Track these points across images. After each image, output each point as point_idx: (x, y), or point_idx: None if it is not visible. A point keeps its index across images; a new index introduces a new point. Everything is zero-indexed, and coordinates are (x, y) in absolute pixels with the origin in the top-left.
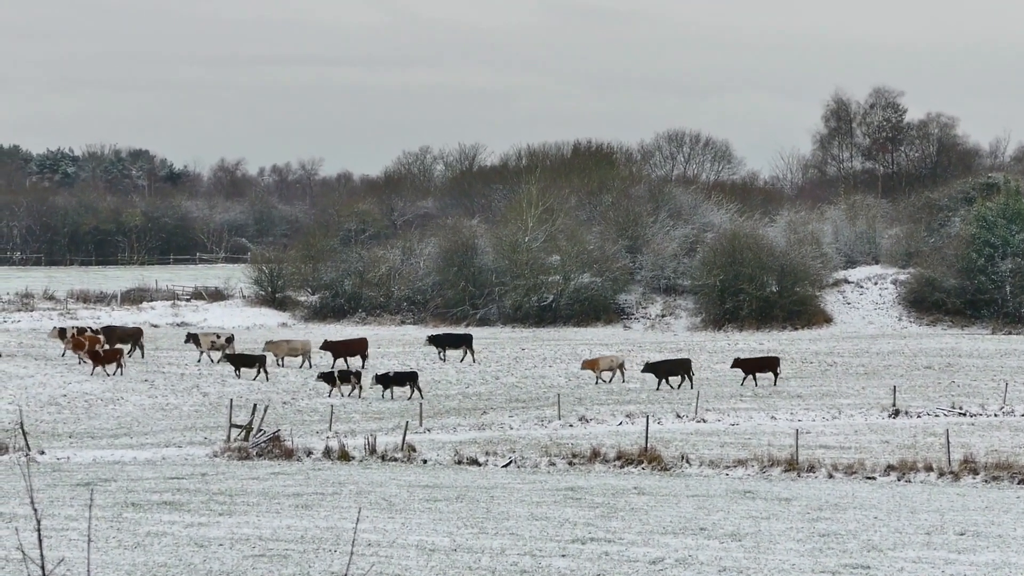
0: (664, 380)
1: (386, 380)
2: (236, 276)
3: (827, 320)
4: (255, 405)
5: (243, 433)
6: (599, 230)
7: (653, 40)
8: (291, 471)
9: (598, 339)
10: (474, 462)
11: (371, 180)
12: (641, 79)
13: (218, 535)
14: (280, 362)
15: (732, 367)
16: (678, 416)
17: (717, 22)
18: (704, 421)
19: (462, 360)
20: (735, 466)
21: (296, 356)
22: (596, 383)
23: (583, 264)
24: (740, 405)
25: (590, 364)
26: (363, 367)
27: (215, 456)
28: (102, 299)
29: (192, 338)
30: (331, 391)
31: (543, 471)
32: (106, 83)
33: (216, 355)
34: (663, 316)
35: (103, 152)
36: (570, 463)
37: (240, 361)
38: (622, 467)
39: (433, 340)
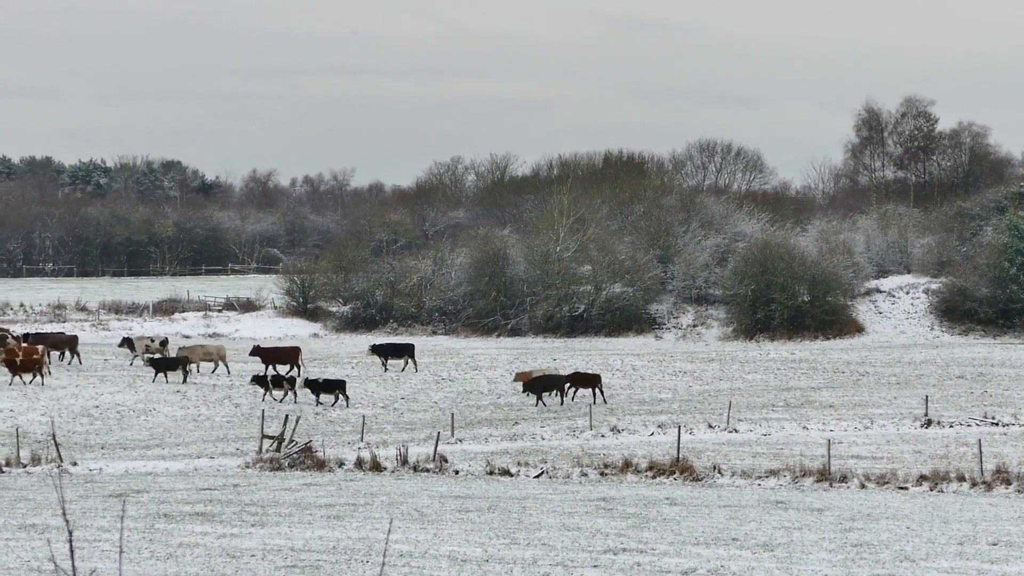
0: (540, 397)
1: (315, 386)
2: (268, 287)
3: (859, 330)
4: (287, 416)
5: (275, 444)
6: (630, 240)
7: (692, 51)
8: (323, 482)
9: (629, 349)
10: (506, 472)
11: (402, 190)
12: (680, 90)
13: (250, 546)
14: (197, 367)
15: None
16: (710, 426)
17: (751, 33)
18: (736, 431)
19: (403, 370)
20: (767, 476)
21: (210, 360)
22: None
23: (614, 274)
24: (772, 415)
25: (523, 376)
26: (298, 375)
27: (247, 467)
28: (134, 310)
29: (126, 342)
30: (264, 395)
31: (575, 481)
32: (141, 94)
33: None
34: (695, 326)
35: (135, 163)
36: (602, 473)
37: (162, 365)
38: (654, 477)
39: (375, 349)
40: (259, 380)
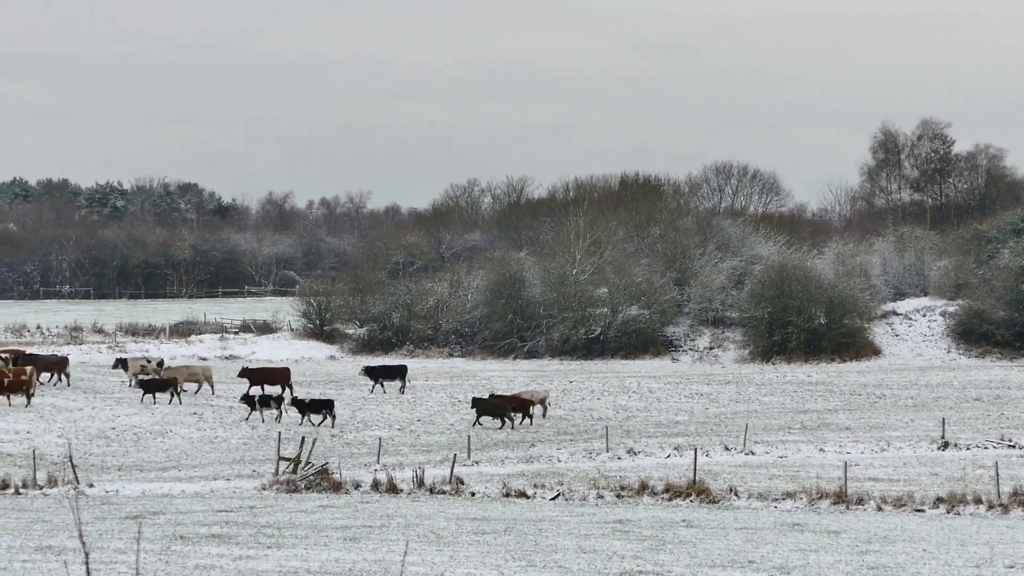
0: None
1: (301, 405)
2: (284, 309)
3: (876, 352)
4: (303, 438)
5: (291, 466)
6: (647, 262)
7: (709, 74)
8: (339, 504)
9: (646, 371)
10: (522, 495)
11: (419, 213)
12: (697, 113)
13: (266, 568)
14: (182, 387)
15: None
16: (726, 449)
17: (767, 56)
18: (752, 453)
19: (401, 391)
20: (784, 499)
21: (196, 382)
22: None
23: (631, 296)
24: (789, 437)
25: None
26: (291, 395)
27: (263, 489)
28: (151, 332)
29: (120, 363)
30: (250, 414)
31: (591, 504)
32: (158, 117)
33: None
34: (711, 348)
35: (152, 186)
36: (618, 496)
37: (152, 386)
38: (670, 500)
39: (368, 371)
40: (248, 400)
